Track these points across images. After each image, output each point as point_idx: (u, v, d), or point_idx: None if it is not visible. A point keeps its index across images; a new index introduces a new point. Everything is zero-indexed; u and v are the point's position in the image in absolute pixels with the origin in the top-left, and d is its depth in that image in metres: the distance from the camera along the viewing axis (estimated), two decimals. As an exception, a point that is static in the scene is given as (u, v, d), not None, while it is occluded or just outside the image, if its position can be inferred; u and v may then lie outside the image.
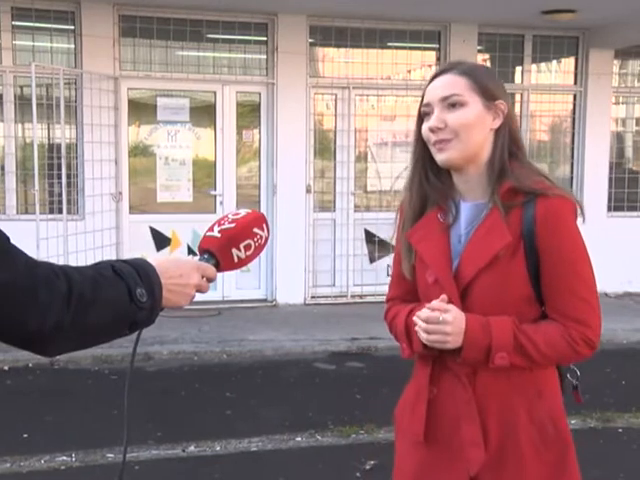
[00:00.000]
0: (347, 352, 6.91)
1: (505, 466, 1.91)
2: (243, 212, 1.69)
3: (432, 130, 1.93)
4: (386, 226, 8.48)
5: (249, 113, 8.61)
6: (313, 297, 8.61)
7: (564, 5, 7.79)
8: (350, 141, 8.65)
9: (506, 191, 1.90)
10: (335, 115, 8.68)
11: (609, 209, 9.19)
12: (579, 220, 1.92)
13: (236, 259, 1.64)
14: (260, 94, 8.44)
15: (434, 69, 8.88)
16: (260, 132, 8.50)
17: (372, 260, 8.82)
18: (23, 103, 7.73)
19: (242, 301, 8.40)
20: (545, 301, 1.92)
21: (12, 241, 1.30)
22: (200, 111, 8.48)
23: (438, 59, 8.87)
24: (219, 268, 1.63)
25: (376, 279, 8.59)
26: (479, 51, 8.83)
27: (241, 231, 1.64)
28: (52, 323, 1.29)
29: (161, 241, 8.23)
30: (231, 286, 8.40)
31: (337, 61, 8.75)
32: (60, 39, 8.00)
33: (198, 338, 7.09)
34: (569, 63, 9.32)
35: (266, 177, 8.48)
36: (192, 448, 4.74)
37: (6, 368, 6.19)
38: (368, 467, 4.43)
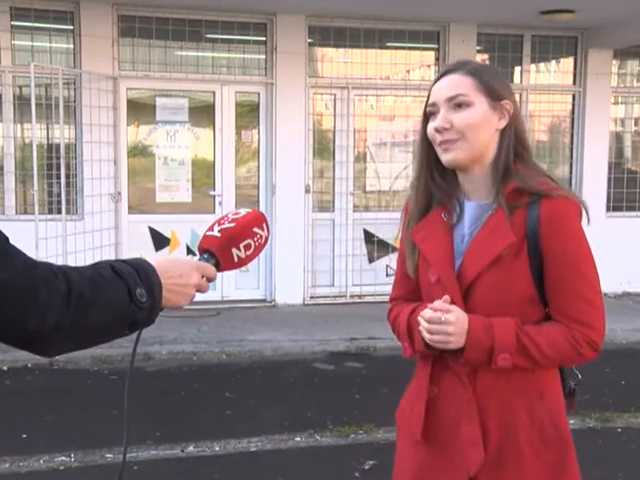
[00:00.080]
0: (346, 352, 6.91)
1: (505, 466, 1.91)
2: (243, 211, 1.69)
3: (438, 130, 1.92)
4: (385, 226, 8.50)
5: (248, 113, 8.61)
6: (312, 297, 8.61)
7: (563, 5, 7.80)
8: (349, 141, 8.65)
9: (511, 191, 1.89)
10: (334, 115, 8.68)
11: (608, 209, 9.19)
12: (583, 221, 1.91)
13: (236, 259, 1.63)
14: (259, 94, 8.44)
15: (433, 69, 8.90)
16: (259, 132, 8.50)
17: (371, 260, 8.82)
18: (22, 103, 7.73)
19: (241, 301, 8.40)
20: (549, 302, 1.92)
21: (11, 241, 1.30)
22: (199, 111, 8.48)
23: (437, 59, 8.88)
24: (219, 268, 1.63)
25: (375, 279, 8.60)
26: (478, 51, 8.84)
27: (241, 231, 1.63)
28: (52, 323, 1.28)
29: (160, 241, 8.23)
30: (230, 286, 8.40)
31: (336, 61, 8.75)
32: (59, 39, 8.00)
33: (197, 338, 7.09)
34: (568, 63, 9.33)
35: (265, 177, 8.48)
36: (191, 448, 4.74)
37: (5, 368, 6.19)
38: (367, 467, 4.43)
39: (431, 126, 1.95)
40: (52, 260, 6.96)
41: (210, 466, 4.48)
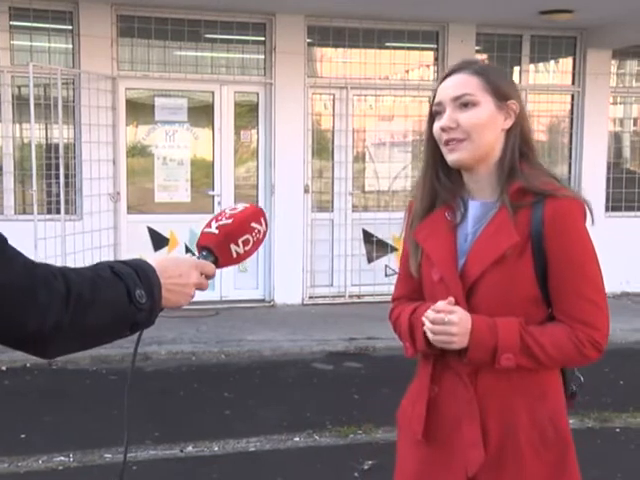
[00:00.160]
0: (345, 352, 6.91)
1: (504, 467, 1.91)
2: (241, 207, 1.68)
3: (444, 129, 1.92)
4: (384, 226, 8.50)
5: (247, 113, 8.60)
6: (311, 297, 8.61)
7: (562, 5, 7.80)
8: (348, 141, 8.65)
9: (515, 191, 1.89)
10: (333, 115, 8.68)
11: (607, 209, 9.19)
12: (587, 221, 1.91)
13: (235, 255, 1.62)
14: (258, 94, 8.44)
15: (432, 69, 8.90)
16: (258, 132, 8.50)
17: (370, 260, 8.82)
18: (21, 103, 7.72)
19: (240, 301, 8.40)
20: (552, 303, 1.91)
21: (10, 242, 1.30)
22: (198, 111, 8.47)
23: (436, 59, 8.88)
24: (218, 264, 1.62)
25: (374, 279, 8.60)
26: (477, 51, 8.84)
27: (239, 226, 1.62)
28: (51, 323, 1.28)
29: (159, 241, 8.23)
30: (229, 286, 8.41)
31: (335, 61, 8.75)
32: (58, 39, 7.99)
33: (196, 338, 7.09)
34: (567, 63, 9.33)
35: (264, 177, 8.48)
36: (190, 448, 4.74)
37: (4, 368, 6.19)
38: (366, 467, 4.43)
39: (437, 125, 1.95)
40: (51, 260, 6.96)
41: (209, 466, 4.48)
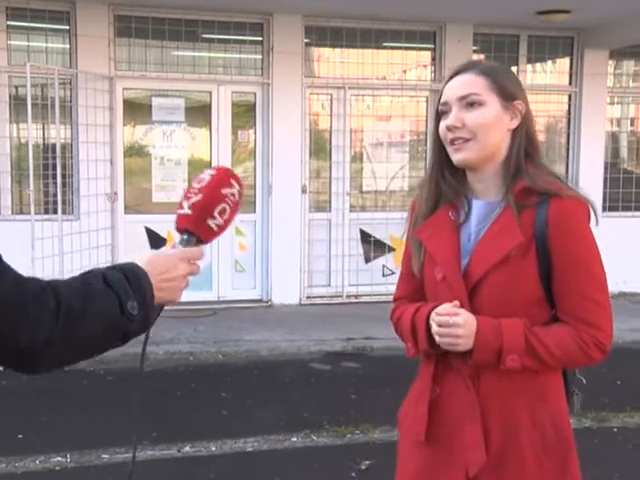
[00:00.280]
0: (342, 352, 6.91)
1: (505, 468, 1.91)
2: (207, 176, 1.61)
3: (449, 129, 1.92)
4: (382, 226, 8.50)
5: (244, 113, 8.60)
6: (308, 297, 8.61)
7: (559, 5, 7.81)
8: (345, 141, 8.65)
9: (520, 190, 1.89)
10: (330, 115, 8.68)
11: (604, 209, 9.18)
12: (592, 222, 1.90)
13: (215, 228, 1.58)
14: (255, 94, 8.44)
15: (429, 69, 8.90)
16: (255, 132, 8.49)
17: (367, 260, 8.82)
18: (18, 103, 7.71)
19: (237, 301, 8.39)
20: (556, 303, 1.91)
21: (3, 256, 1.29)
22: (195, 111, 8.47)
23: (433, 59, 8.88)
24: (202, 242, 1.59)
25: (371, 279, 8.60)
26: (474, 51, 8.84)
27: (210, 199, 1.57)
28: (42, 338, 1.27)
29: (156, 241, 8.22)
30: (226, 286, 8.41)
31: (332, 61, 8.75)
32: (55, 39, 7.98)
33: (194, 338, 7.08)
34: (564, 63, 9.34)
35: (261, 177, 8.48)
36: (187, 448, 4.73)
37: (1, 368, 6.17)
38: (364, 467, 4.43)
39: (443, 124, 1.95)
40: (48, 260, 6.96)
41: (206, 466, 4.48)
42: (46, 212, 7.55)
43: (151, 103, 8.24)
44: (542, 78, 9.42)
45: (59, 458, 4.53)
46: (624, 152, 9.94)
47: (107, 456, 4.54)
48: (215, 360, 6.66)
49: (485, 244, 1.91)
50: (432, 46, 8.84)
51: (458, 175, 2.01)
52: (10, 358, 1.30)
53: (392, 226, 8.26)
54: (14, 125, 7.88)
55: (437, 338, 1.88)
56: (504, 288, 1.88)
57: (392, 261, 8.67)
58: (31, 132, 7.10)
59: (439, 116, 1.99)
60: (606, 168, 9.30)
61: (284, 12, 8.13)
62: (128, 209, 8.21)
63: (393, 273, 8.47)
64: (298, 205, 8.45)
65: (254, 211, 8.47)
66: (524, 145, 1.95)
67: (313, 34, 8.55)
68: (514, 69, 9.08)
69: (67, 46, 7.88)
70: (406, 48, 8.83)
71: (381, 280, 8.52)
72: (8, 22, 7.67)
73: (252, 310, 8.25)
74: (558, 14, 7.99)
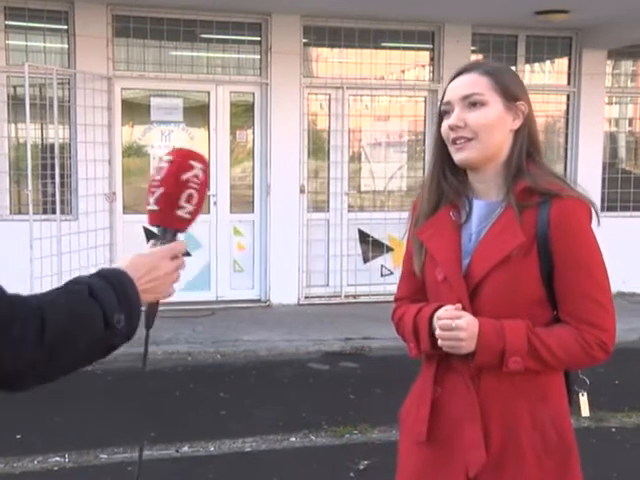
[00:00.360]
0: (341, 352, 6.91)
1: (505, 468, 1.90)
2: (165, 164, 1.56)
3: (452, 128, 1.92)
4: (380, 226, 8.50)
5: (243, 113, 8.60)
6: (307, 297, 8.61)
7: (557, 5, 7.81)
8: (344, 141, 8.65)
9: (521, 191, 1.89)
10: (329, 115, 8.68)
11: (602, 209, 9.18)
12: (594, 223, 1.90)
13: (187, 215, 1.53)
14: (254, 94, 8.44)
15: (428, 69, 8.91)
16: (254, 132, 8.50)
17: (366, 260, 8.82)
18: (16, 103, 7.71)
19: (236, 301, 8.39)
20: (558, 304, 1.90)
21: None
22: (194, 111, 8.47)
23: (432, 59, 8.88)
24: (181, 231, 1.55)
25: (370, 279, 8.60)
26: (473, 51, 8.84)
27: (172, 190, 1.52)
28: (26, 357, 1.25)
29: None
30: (225, 286, 8.41)
31: (331, 61, 8.75)
32: (53, 39, 7.97)
33: (192, 338, 7.08)
34: (562, 63, 9.34)
35: (260, 177, 8.48)
36: (186, 448, 4.73)
37: None
38: (362, 467, 4.43)
39: (445, 124, 1.95)
40: (47, 260, 6.96)
41: (205, 466, 4.48)
42: (44, 212, 7.55)
43: (149, 103, 8.23)
44: (540, 78, 9.42)
45: (57, 458, 4.53)
46: (622, 152, 9.94)
47: (105, 456, 4.54)
48: (213, 360, 6.66)
49: (486, 244, 1.91)
50: (430, 46, 8.84)
51: (459, 175, 2.00)
52: None
53: (390, 226, 8.26)
54: (12, 125, 7.87)
55: (440, 341, 1.88)
56: (505, 288, 1.88)
57: (390, 261, 8.68)
58: (29, 132, 7.09)
59: (441, 115, 1.99)
60: (604, 168, 9.31)
61: (282, 12, 8.13)
62: (126, 209, 8.20)
63: (391, 273, 8.48)
64: (296, 205, 8.45)
65: (252, 211, 8.48)
66: (526, 145, 1.95)
67: (311, 34, 8.55)
68: (512, 69, 9.09)
69: (65, 46, 7.88)
70: (404, 48, 8.83)
71: (379, 280, 8.52)
72: (6, 22, 7.66)
73: (250, 310, 8.25)
74: (556, 14, 8.00)
